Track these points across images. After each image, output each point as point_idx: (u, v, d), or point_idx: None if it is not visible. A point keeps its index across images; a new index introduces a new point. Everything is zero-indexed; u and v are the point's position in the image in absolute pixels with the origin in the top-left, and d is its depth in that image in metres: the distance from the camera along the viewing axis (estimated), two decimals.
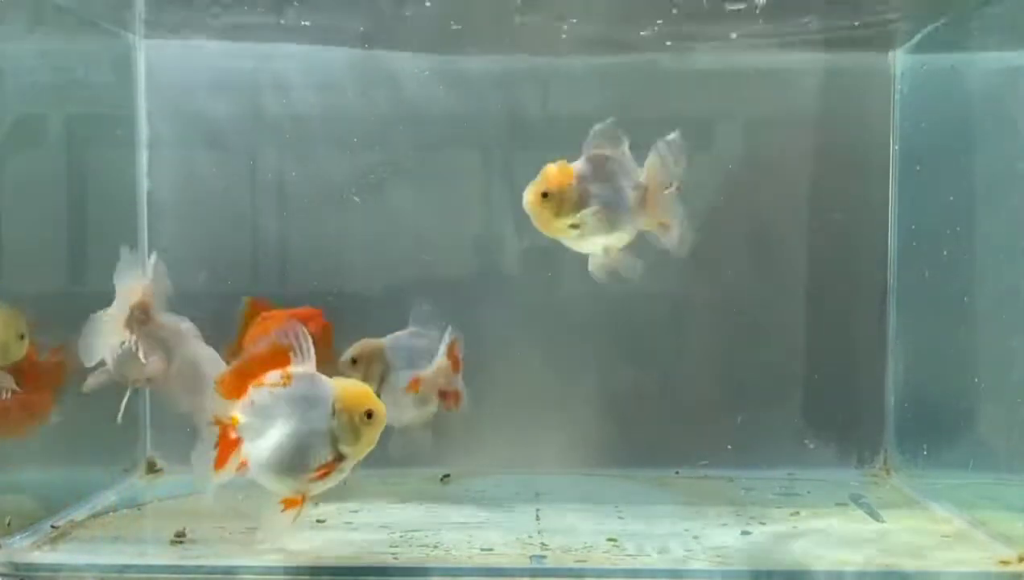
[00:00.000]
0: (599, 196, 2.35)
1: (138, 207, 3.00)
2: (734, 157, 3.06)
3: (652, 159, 2.37)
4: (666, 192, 2.38)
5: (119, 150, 2.96)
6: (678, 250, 2.38)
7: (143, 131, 3.00)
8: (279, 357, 2.06)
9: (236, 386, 2.07)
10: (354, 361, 2.57)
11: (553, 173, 2.32)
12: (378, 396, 2.16)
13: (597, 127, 2.35)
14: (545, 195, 2.32)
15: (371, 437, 2.06)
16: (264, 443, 2.04)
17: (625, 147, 2.37)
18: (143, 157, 3.01)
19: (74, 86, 2.82)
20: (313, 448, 2.04)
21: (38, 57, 2.61)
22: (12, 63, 2.48)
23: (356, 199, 2.98)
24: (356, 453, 2.06)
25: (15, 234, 2.44)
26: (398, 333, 2.63)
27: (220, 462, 2.04)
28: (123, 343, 2.40)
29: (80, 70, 2.85)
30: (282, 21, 2.81)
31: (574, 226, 2.35)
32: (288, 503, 2.07)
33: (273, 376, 2.05)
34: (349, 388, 2.09)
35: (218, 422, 2.04)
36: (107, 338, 2.38)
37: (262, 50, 2.99)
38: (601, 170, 2.36)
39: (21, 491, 2.42)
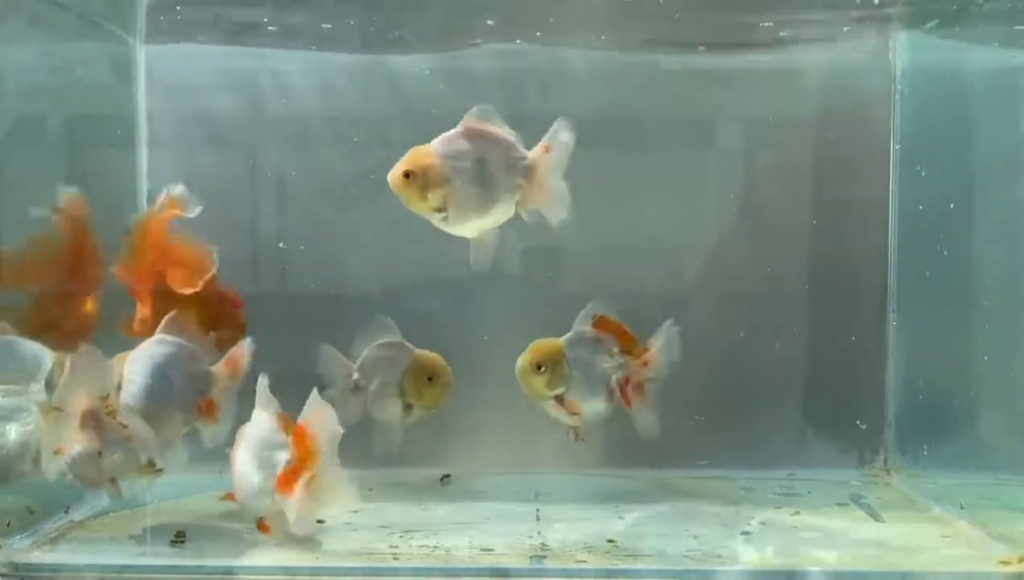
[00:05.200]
0: (465, 174, 2.28)
1: (138, 207, 2.99)
2: (735, 157, 3.06)
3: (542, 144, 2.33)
4: (552, 177, 2.33)
5: (119, 150, 2.96)
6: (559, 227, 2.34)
7: (143, 131, 3.00)
8: None
9: None
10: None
11: (416, 152, 2.28)
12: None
13: (474, 109, 2.30)
14: (407, 175, 2.28)
15: None
16: None
17: (501, 126, 2.31)
18: (143, 157, 3.01)
19: (74, 86, 2.81)
20: None
21: (39, 57, 2.60)
22: (12, 63, 2.48)
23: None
24: None
25: (15, 234, 2.44)
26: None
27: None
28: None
29: (80, 70, 2.84)
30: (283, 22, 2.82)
31: (438, 209, 2.30)
32: None
33: None
34: None
35: None
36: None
37: (262, 50, 2.99)
38: (471, 148, 2.30)
39: (21, 491, 2.42)
